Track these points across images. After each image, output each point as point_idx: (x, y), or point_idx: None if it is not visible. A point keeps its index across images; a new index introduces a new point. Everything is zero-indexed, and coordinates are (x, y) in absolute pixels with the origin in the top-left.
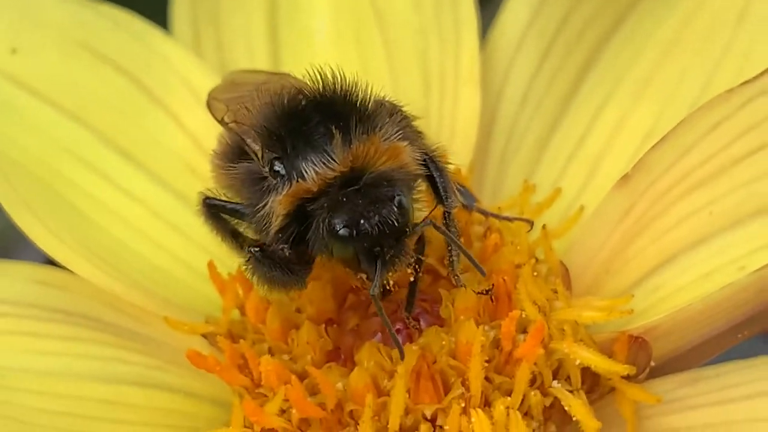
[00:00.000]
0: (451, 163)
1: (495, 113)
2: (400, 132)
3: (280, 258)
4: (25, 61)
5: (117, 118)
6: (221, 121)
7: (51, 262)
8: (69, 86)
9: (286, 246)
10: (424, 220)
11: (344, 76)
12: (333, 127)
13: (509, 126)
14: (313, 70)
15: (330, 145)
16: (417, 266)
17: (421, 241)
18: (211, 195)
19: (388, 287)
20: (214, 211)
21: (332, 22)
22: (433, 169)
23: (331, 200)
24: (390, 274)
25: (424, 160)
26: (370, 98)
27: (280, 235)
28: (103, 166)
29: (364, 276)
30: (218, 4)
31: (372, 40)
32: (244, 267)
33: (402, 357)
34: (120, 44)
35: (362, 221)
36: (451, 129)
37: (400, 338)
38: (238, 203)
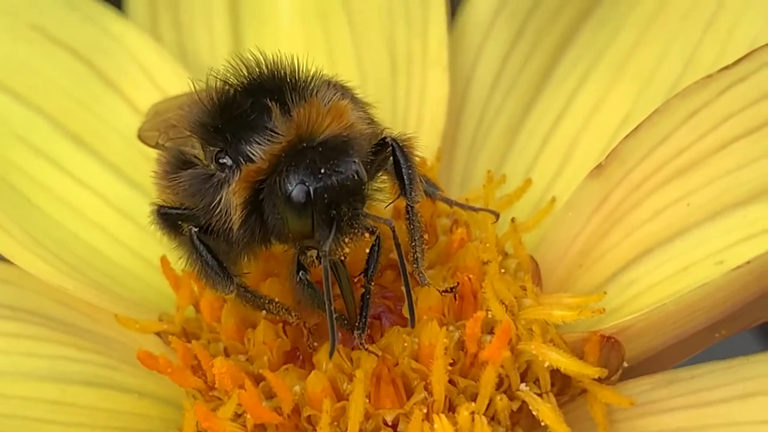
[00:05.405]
0: (418, 155)
1: (464, 98)
2: (339, 93)
3: (215, 254)
4: None
5: (69, 103)
6: (157, 146)
7: None
8: (20, 70)
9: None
10: (387, 220)
11: (266, 55)
12: (268, 101)
13: (479, 112)
14: (234, 60)
15: (270, 120)
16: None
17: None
18: (163, 204)
19: (340, 254)
20: (170, 221)
21: (296, 3)
22: (399, 156)
23: (283, 166)
24: (346, 240)
25: (392, 147)
26: (299, 70)
27: (243, 231)
28: (54, 152)
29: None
30: None
31: (338, 22)
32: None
33: (331, 354)
34: (73, 26)
35: (319, 176)
36: (419, 115)
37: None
38: (193, 209)
